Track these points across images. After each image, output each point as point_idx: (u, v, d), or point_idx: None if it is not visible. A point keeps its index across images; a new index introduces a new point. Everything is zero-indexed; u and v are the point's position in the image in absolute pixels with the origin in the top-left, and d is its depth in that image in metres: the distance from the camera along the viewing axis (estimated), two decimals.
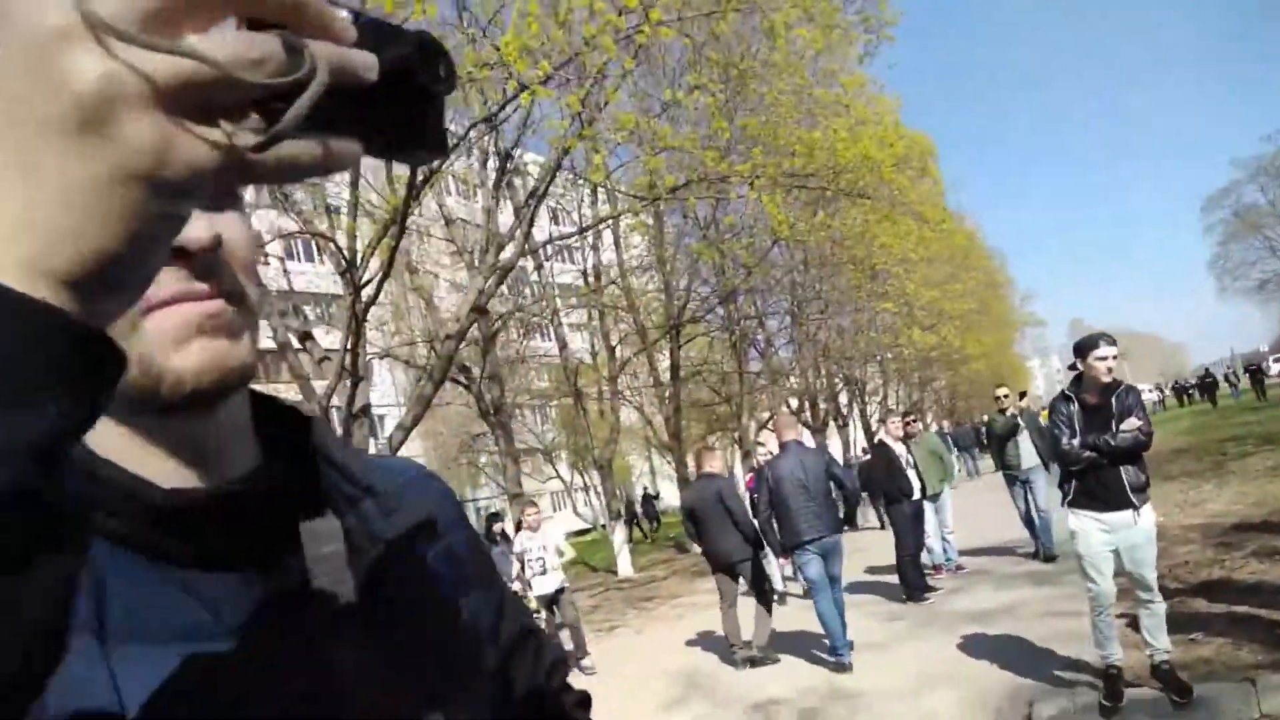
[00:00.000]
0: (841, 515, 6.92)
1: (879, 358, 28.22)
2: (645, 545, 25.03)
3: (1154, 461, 4.32)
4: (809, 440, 9.46)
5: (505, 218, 11.30)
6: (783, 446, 7.06)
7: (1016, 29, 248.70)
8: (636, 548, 23.21)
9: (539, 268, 17.51)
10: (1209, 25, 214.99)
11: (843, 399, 32.40)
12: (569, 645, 7.99)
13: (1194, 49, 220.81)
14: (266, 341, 10.64)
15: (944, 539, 9.37)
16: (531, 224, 9.81)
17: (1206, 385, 47.06)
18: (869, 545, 12.21)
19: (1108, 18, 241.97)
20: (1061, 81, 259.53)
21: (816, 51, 10.97)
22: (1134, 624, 4.53)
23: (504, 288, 17.31)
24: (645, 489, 33.78)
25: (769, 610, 7.42)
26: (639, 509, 31.04)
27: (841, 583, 6.85)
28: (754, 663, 7.03)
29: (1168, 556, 7.31)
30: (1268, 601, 5.46)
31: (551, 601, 7.95)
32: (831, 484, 6.78)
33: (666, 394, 18.59)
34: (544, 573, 7.87)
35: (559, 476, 35.52)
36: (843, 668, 6.31)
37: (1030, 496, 8.73)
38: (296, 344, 9.68)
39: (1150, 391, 61.46)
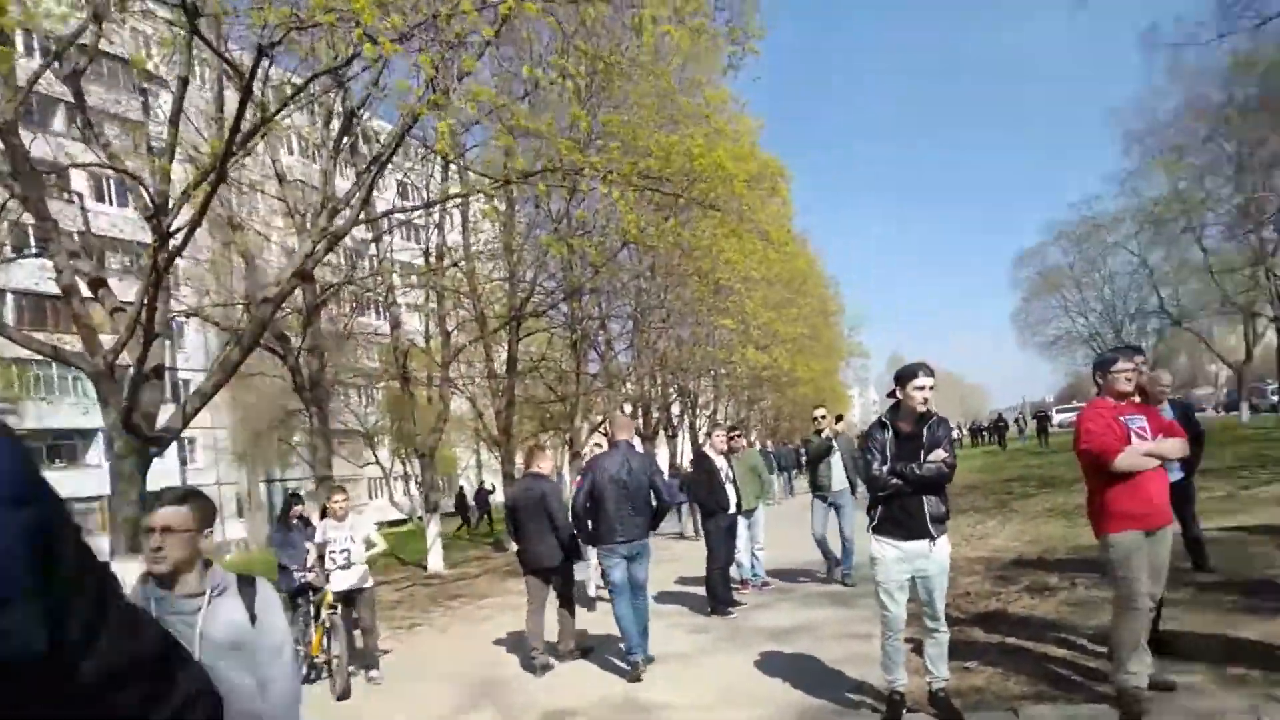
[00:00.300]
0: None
1: (713, 372, 28.81)
2: (463, 542, 24.33)
3: (948, 495, 4.48)
4: (639, 447, 9.44)
5: (347, 184, 10.61)
6: (613, 445, 6.94)
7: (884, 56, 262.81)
8: (454, 543, 22.55)
9: (377, 240, 16.64)
10: (1056, 87, 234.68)
11: (675, 409, 32.96)
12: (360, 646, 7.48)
13: (1039, 103, 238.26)
14: (50, 285, 9.48)
15: (754, 555, 9.53)
16: (371, 190, 9.24)
17: (998, 428, 51.55)
18: (683, 555, 12.33)
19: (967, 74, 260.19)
20: (910, 120, 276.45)
21: (684, 52, 10.99)
22: (919, 649, 4.66)
23: (338, 258, 16.39)
24: (482, 482, 32.91)
25: (572, 614, 7.29)
26: (473, 502, 30.21)
27: (648, 590, 6.80)
28: (552, 665, 6.90)
29: (953, 587, 7.63)
30: (1035, 634, 5.83)
31: (348, 599, 7.29)
32: (651, 492, 6.68)
33: (501, 387, 18.12)
34: (346, 566, 7.20)
35: (378, 462, 34.15)
36: (635, 669, 6.28)
37: (838, 519, 8.94)
38: (86, 290, 8.67)
39: (953, 429, 66.25)
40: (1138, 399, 4.65)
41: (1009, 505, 14.57)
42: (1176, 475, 6.00)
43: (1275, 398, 31.92)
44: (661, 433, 31.27)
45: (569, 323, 19.62)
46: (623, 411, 27.85)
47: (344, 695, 6.68)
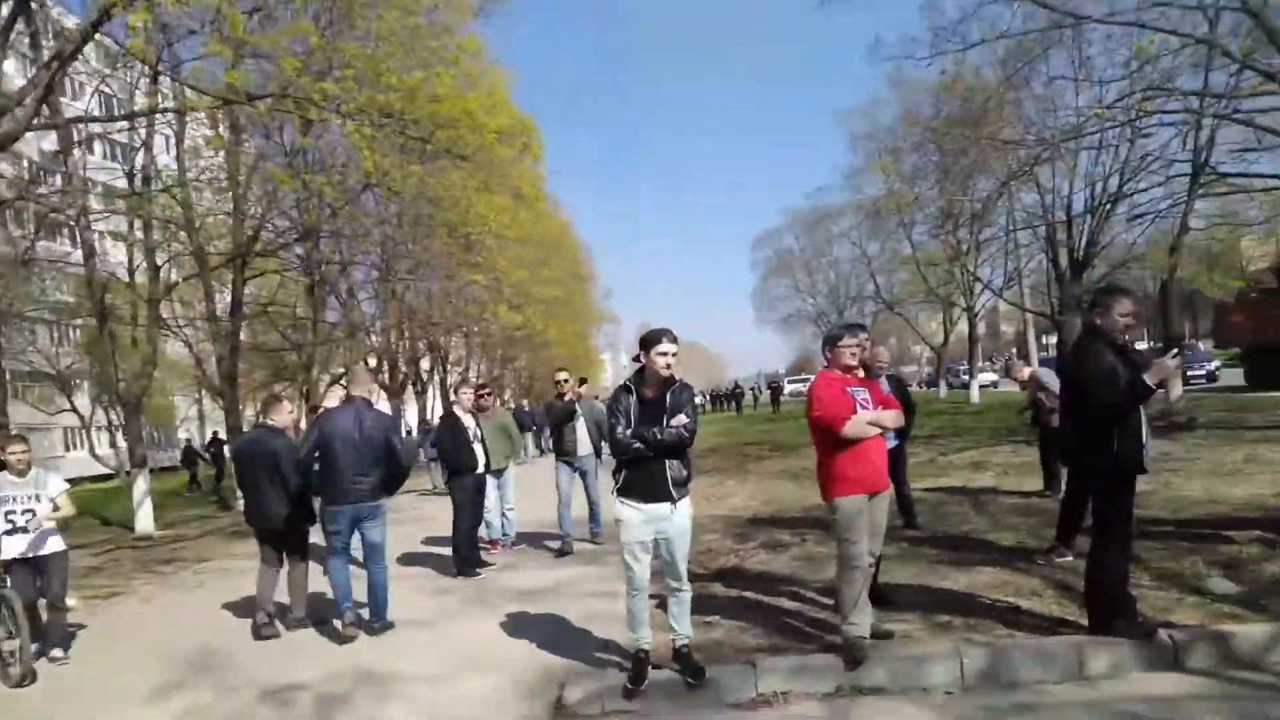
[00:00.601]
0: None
1: (465, 329, 28.07)
2: (190, 499, 21.82)
3: (690, 457, 4.50)
4: (385, 403, 8.66)
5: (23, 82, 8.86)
6: (348, 399, 6.35)
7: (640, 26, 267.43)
8: (168, 502, 20.23)
9: (65, 153, 14.17)
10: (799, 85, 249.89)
11: (425, 365, 31.87)
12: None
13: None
14: None
15: (504, 515, 9.26)
16: (50, 90, 7.74)
17: (736, 396, 55.28)
18: (432, 515, 11.77)
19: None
20: (669, 91, 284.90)
21: None
22: (664, 605, 4.65)
23: (14, 169, 13.82)
24: (215, 432, 29.76)
25: (305, 579, 6.69)
26: (207, 455, 27.25)
27: (385, 551, 6.34)
28: (280, 634, 6.32)
29: (696, 544, 7.85)
30: (770, 589, 6.08)
31: (35, 566, 6.08)
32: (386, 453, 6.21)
33: (224, 331, 16.33)
34: (25, 530, 6.01)
35: (75, 410, 29.89)
36: (345, 629, 6.00)
37: (584, 483, 8.86)
38: None
39: (697, 397, 70.15)
40: (861, 373, 4.90)
41: (746, 467, 15.46)
42: (893, 443, 6.53)
43: (966, 376, 36.82)
44: (410, 388, 30.15)
45: (305, 266, 18.09)
46: (366, 364, 26.45)
47: (23, 681, 5.57)
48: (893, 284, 40.30)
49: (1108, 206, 19.31)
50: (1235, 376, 26.12)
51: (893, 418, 4.59)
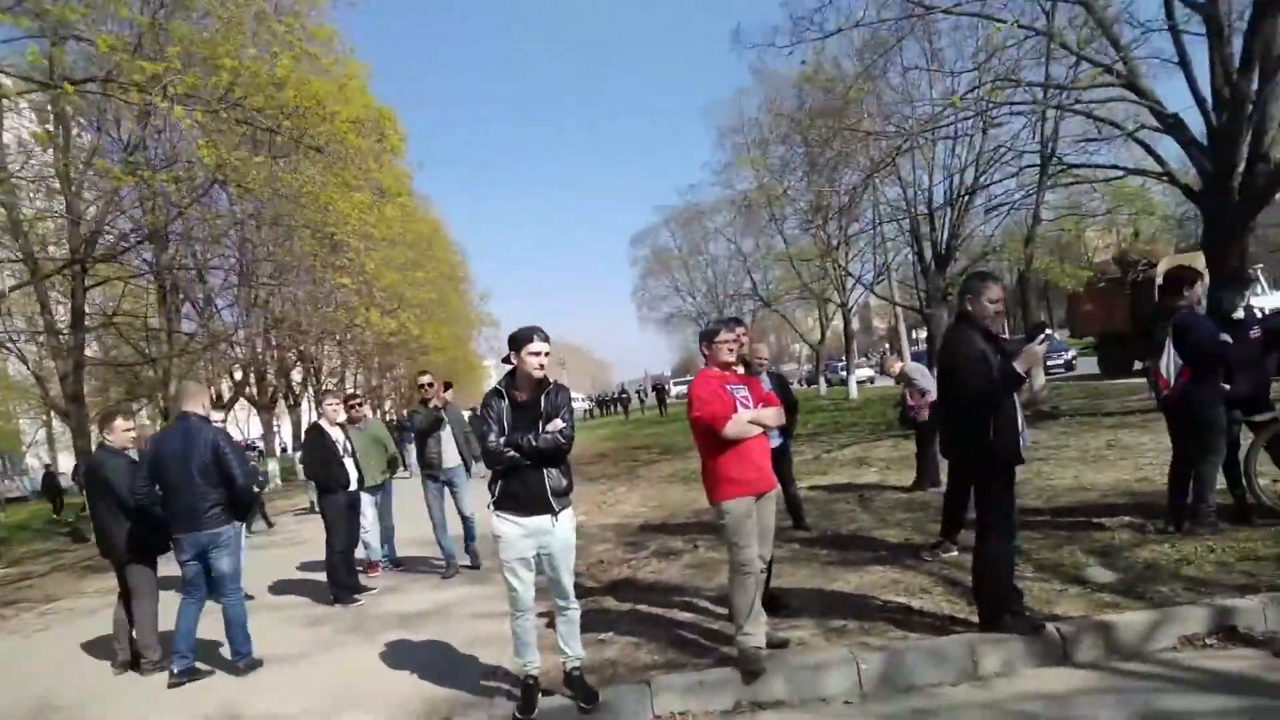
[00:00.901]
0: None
1: (337, 336, 26.83)
2: (49, 530, 19.82)
3: (578, 465, 4.24)
4: (216, 416, 7.78)
5: None
6: (181, 416, 5.76)
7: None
8: (18, 536, 18.40)
9: None
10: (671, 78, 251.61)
11: (297, 376, 30.34)
12: None
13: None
14: None
15: (383, 534, 8.73)
16: None
17: (622, 400, 55.40)
18: (311, 537, 11.01)
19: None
20: (538, 87, 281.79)
21: None
22: (555, 625, 4.38)
23: None
24: (48, 465, 27.40)
25: (153, 614, 6.04)
26: (72, 480, 25.04)
27: (237, 581, 5.75)
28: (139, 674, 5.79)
29: (586, 555, 7.64)
30: (663, 600, 5.87)
31: None
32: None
33: (66, 346, 14.95)
34: None
35: None
36: (173, 678, 5.49)
37: (454, 499, 8.17)
38: None
39: (582, 401, 69.97)
40: (741, 370, 4.78)
41: (636, 472, 15.29)
42: (776, 441, 6.46)
43: (844, 372, 37.67)
44: (282, 402, 28.63)
45: (155, 271, 16.77)
46: (230, 378, 24.89)
47: None
48: (769, 281, 40.84)
49: (966, 198, 20.22)
50: (1091, 364, 27.78)
51: (774, 415, 4.45)
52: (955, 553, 5.98)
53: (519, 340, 4.18)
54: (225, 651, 5.80)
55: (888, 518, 7.90)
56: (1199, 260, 11.62)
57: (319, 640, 6.28)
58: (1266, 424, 6.10)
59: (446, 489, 8.12)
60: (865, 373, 44.92)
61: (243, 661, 5.63)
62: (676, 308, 53.58)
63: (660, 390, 47.73)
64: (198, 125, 8.15)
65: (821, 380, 40.58)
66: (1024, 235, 19.76)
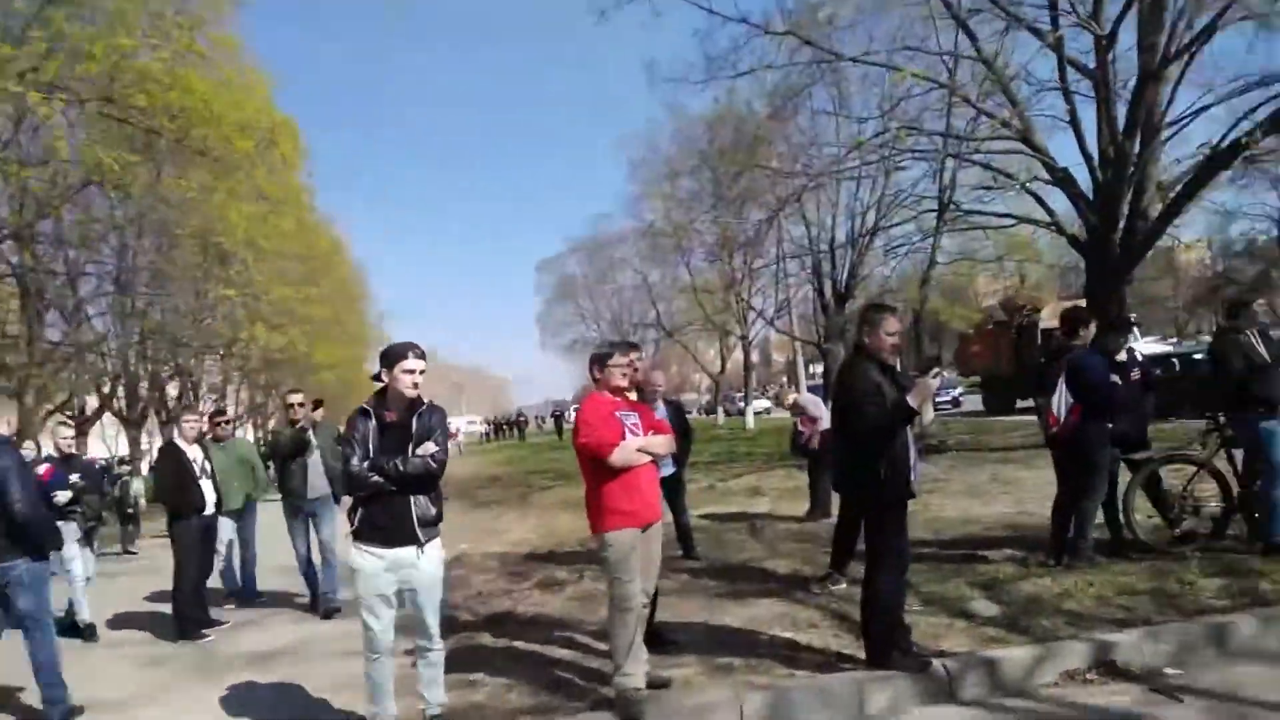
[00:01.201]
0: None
1: (220, 351, 25.48)
2: None
3: (469, 489, 3.92)
4: (65, 434, 6.87)
5: None
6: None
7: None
8: None
9: None
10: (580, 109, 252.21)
11: (172, 391, 28.71)
12: None
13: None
14: None
15: (244, 562, 8.08)
16: None
17: (519, 424, 54.87)
18: (167, 565, 10.09)
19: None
20: (446, 129, 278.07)
21: None
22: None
23: None
24: None
25: None
26: None
27: (41, 622, 4.83)
28: None
29: (465, 586, 7.26)
30: (542, 635, 5.54)
31: None
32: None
33: None
34: None
35: None
36: None
37: (315, 531, 7.28)
38: None
39: (480, 424, 68.71)
40: (634, 395, 4.58)
41: (528, 499, 14.90)
42: (668, 470, 6.29)
43: (742, 403, 38.29)
44: (155, 418, 26.98)
45: (18, 274, 15.55)
46: (98, 392, 23.29)
47: None
48: (673, 311, 41.17)
49: (866, 239, 20.84)
50: (976, 402, 28.82)
51: (664, 443, 4.23)
52: (844, 585, 5.88)
53: (392, 356, 3.88)
54: (34, 699, 5.02)
55: (778, 548, 7.77)
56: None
57: (155, 682, 5.65)
58: (1143, 462, 6.29)
59: (310, 520, 7.32)
60: (762, 404, 45.57)
61: (56, 711, 4.81)
62: (580, 334, 53.28)
63: (558, 415, 47.61)
64: (72, 123, 7.52)
65: (720, 410, 40.93)
66: (920, 277, 20.42)
